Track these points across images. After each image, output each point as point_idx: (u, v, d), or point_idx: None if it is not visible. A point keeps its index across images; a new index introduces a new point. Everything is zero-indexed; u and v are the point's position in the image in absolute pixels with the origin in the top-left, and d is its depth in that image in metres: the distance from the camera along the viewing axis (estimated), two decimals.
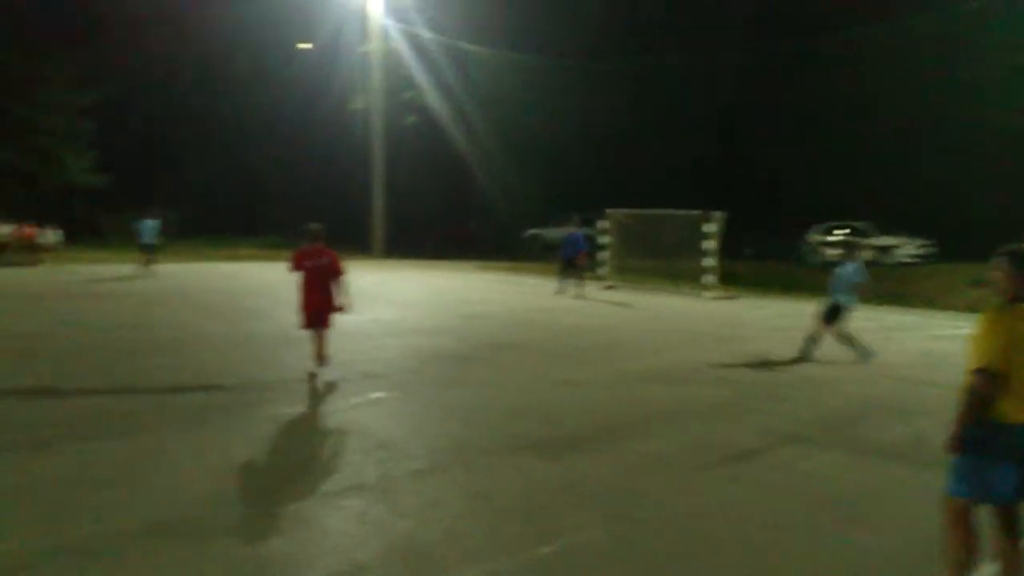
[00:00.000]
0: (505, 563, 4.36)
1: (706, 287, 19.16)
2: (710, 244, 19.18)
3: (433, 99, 35.07)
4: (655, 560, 4.47)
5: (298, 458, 6.01)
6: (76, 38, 34.21)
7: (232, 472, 5.66)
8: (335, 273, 8.69)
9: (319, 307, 8.63)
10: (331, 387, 8.42)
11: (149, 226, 21.47)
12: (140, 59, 36.49)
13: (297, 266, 8.73)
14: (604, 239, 21.82)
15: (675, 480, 5.82)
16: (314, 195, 39.24)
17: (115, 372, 9.11)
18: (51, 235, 25.21)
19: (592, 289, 19.54)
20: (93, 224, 34.25)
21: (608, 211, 21.77)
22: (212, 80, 38.81)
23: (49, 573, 4.12)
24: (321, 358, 8.66)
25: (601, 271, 21.56)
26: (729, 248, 20.84)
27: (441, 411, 7.65)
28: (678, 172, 31.43)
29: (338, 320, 8.91)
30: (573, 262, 19.23)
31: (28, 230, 24.97)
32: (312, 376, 8.64)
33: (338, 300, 8.72)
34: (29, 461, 5.81)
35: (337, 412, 7.42)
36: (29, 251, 24.43)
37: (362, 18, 33.30)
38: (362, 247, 33.31)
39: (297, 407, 7.55)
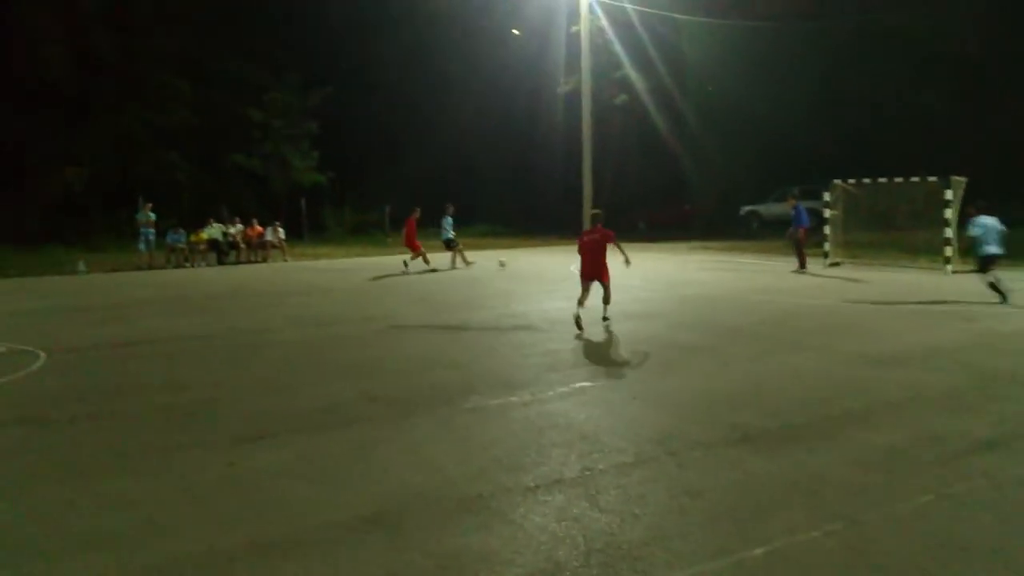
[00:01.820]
0: (712, 566, 4.02)
1: (946, 260, 17.33)
2: (950, 213, 17.31)
3: (642, 77, 34.42)
4: (884, 570, 3.97)
5: (499, 451, 5.96)
6: (297, 40, 36.82)
7: (434, 465, 5.67)
8: (609, 240, 11.60)
9: (595, 267, 11.66)
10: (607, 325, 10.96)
11: (446, 221, 22.32)
12: (355, 56, 38.66)
13: (581, 242, 11.87)
14: (828, 212, 20.36)
15: (906, 476, 5.19)
16: (524, 182, 39.91)
17: (327, 365, 9.62)
18: (277, 233, 27.26)
19: (817, 266, 18.34)
20: (317, 220, 36.78)
21: (834, 182, 20.29)
22: (425, 73, 40.32)
23: (246, 567, 4.21)
24: (607, 300, 11.70)
25: (826, 246, 20.16)
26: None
27: (651, 400, 7.34)
28: (910, 135, 28.82)
29: (546, 307, 8.87)
30: (794, 237, 18.31)
31: (256, 229, 27.12)
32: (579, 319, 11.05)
33: (620, 257, 11.69)
34: (241, 455, 6.07)
35: (542, 402, 7.33)
36: (258, 249, 26.61)
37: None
38: (570, 231, 33.41)
39: (501, 397, 7.53)
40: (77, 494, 5.25)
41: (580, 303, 11.33)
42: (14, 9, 30.80)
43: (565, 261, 22.92)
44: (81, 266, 22.95)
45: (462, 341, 10.73)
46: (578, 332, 10.79)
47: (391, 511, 4.86)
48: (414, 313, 13.52)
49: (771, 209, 33.33)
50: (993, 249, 12.72)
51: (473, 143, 40.47)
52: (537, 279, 18.44)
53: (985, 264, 12.79)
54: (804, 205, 18.89)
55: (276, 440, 6.37)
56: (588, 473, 5.41)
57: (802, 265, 18.26)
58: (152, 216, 25.18)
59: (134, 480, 5.54)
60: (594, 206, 11.81)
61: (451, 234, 22.15)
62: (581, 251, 11.76)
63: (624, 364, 8.96)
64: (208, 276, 21.78)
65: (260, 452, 6.07)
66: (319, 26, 37.69)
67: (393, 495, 5.12)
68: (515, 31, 38.11)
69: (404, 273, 20.05)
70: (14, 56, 30.95)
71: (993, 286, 12.54)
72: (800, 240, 18.32)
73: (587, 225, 12.03)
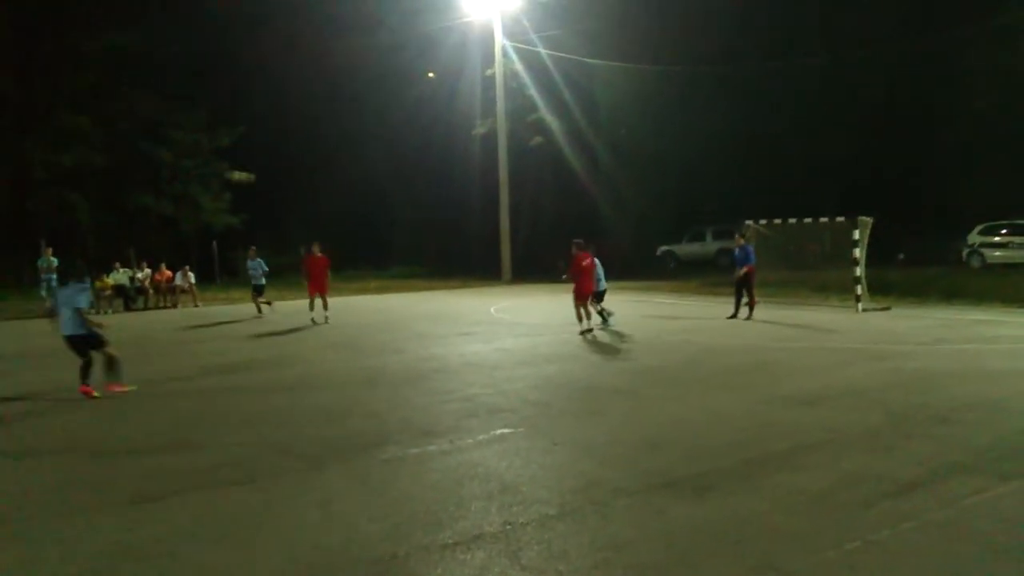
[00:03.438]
0: None
1: (857, 299, 17.84)
2: (858, 252, 17.85)
3: (557, 119, 34.94)
4: None
5: (416, 505, 5.66)
6: (206, 81, 36.08)
7: (347, 522, 5.34)
8: (593, 267, 15.16)
9: (592, 288, 15.17)
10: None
11: (254, 265, 21.29)
12: (268, 96, 38.17)
13: (577, 267, 14.78)
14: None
15: (832, 521, 5.13)
16: (441, 223, 39.89)
17: (234, 416, 9.17)
18: (188, 277, 26.25)
19: (724, 307, 18.65)
20: (230, 264, 35.85)
21: (746, 223, 20.73)
22: (339, 115, 40.09)
23: None
24: (601, 310, 15.69)
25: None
26: (879, 255, 19.44)
27: (572, 447, 7.15)
28: (816, 177, 29.97)
29: (463, 351, 8.63)
30: (738, 278, 17.27)
31: (165, 273, 26.09)
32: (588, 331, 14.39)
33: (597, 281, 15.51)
34: (139, 518, 5.70)
35: (460, 451, 7.06)
36: (167, 294, 25.57)
37: (484, 42, 33.63)
38: (488, 272, 33.38)
39: (419, 446, 7.24)
40: None
41: (588, 318, 14.54)
42: None
43: (483, 303, 22.80)
44: None
45: (378, 387, 10.39)
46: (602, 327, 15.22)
47: (305, 570, 4.54)
48: (328, 359, 13.10)
49: (687, 249, 34.05)
50: None
51: (389, 185, 40.39)
52: (454, 321, 18.20)
53: None
54: (716, 246, 18.95)
55: (177, 499, 5.95)
56: (509, 527, 5.17)
57: (750, 308, 16.98)
58: (54, 261, 24.02)
59: (16, 550, 5.04)
60: (576, 239, 15.53)
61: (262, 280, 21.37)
62: (582, 273, 14.61)
63: (545, 409, 8.78)
64: (113, 323, 20.74)
65: (160, 513, 5.66)
66: (229, 66, 37.06)
67: (303, 558, 4.78)
68: (431, 74, 38.35)
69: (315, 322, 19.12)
70: None
71: None
72: (748, 281, 17.14)
73: (573, 254, 15.06)
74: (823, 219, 18.78)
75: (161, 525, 5.43)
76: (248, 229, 36.70)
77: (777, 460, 6.50)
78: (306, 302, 19.14)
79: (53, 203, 32.62)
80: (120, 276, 25.03)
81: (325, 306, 18.67)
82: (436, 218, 40.51)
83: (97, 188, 33.80)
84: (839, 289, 19.34)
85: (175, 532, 5.29)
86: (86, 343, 10.09)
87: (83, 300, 10.12)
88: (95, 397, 9.92)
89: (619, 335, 14.69)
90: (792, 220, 19.36)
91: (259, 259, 21.25)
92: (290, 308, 21.86)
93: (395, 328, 17.31)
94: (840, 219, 18.46)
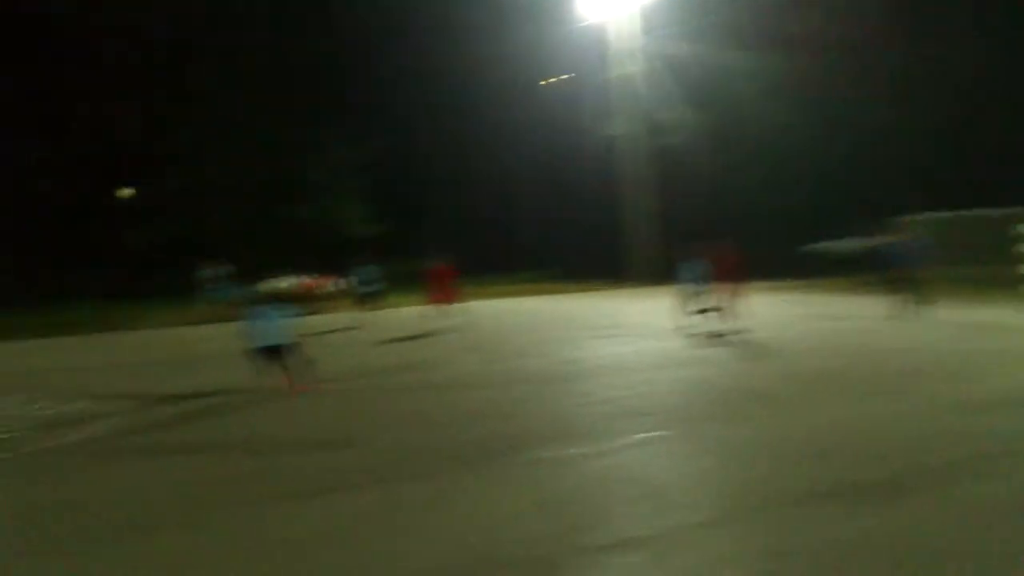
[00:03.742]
0: None
1: None
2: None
3: (688, 115, 34.25)
4: None
5: (561, 507, 5.56)
6: (347, 99, 37.58)
7: (492, 523, 5.33)
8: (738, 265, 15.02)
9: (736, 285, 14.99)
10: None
11: (365, 272, 21.42)
12: (407, 105, 39.35)
13: (721, 262, 14.76)
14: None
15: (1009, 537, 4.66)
16: (568, 226, 39.90)
17: (379, 417, 9.34)
18: (332, 285, 27.18)
19: (879, 306, 17.58)
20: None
21: (905, 217, 19.35)
22: (469, 120, 40.77)
23: None
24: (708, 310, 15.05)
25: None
26: None
27: (722, 452, 6.85)
28: (976, 166, 27.99)
29: (600, 354, 8.47)
30: (910, 276, 16.18)
31: (310, 282, 27.15)
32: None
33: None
34: (293, 512, 5.86)
35: (603, 454, 6.89)
36: (312, 301, 26.60)
37: (612, 42, 33.39)
38: (619, 275, 33.00)
39: (560, 449, 7.13)
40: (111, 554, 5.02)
41: (724, 317, 14.67)
42: (84, 77, 32.14)
43: (616, 306, 22.54)
44: (159, 320, 23.25)
45: (519, 389, 10.36)
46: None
47: (448, 570, 4.54)
48: (468, 361, 13.22)
49: (842, 246, 32.49)
50: None
51: (519, 188, 40.78)
52: (587, 324, 18.02)
53: None
54: (864, 243, 17.89)
55: (335, 495, 6.10)
56: (659, 533, 4.98)
57: (916, 305, 15.93)
58: (214, 272, 25.48)
59: (183, 539, 5.29)
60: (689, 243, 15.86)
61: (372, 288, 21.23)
62: (725, 267, 14.78)
63: (688, 412, 8.49)
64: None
65: (319, 508, 5.83)
66: (369, 79, 38.44)
67: (451, 556, 4.78)
68: (560, 77, 38.47)
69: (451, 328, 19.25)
70: (83, 120, 32.21)
71: None
72: (910, 278, 16.06)
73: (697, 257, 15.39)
74: (984, 212, 17.45)
75: (320, 520, 5.58)
76: (388, 237, 37.87)
77: (955, 467, 6.00)
78: (429, 309, 19.19)
79: (213, 219, 34.82)
80: (274, 285, 26.28)
81: (452, 313, 18.74)
82: (565, 221, 40.53)
83: (250, 203, 35.81)
84: (1009, 287, 17.92)
85: (336, 527, 5.42)
86: (288, 352, 10.71)
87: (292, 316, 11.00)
88: (297, 393, 10.51)
89: (763, 337, 14.12)
90: (952, 214, 18.10)
91: (369, 266, 21.59)
92: (411, 315, 22.13)
93: (530, 331, 17.33)
94: (1004, 211, 17.10)
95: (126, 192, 35.79)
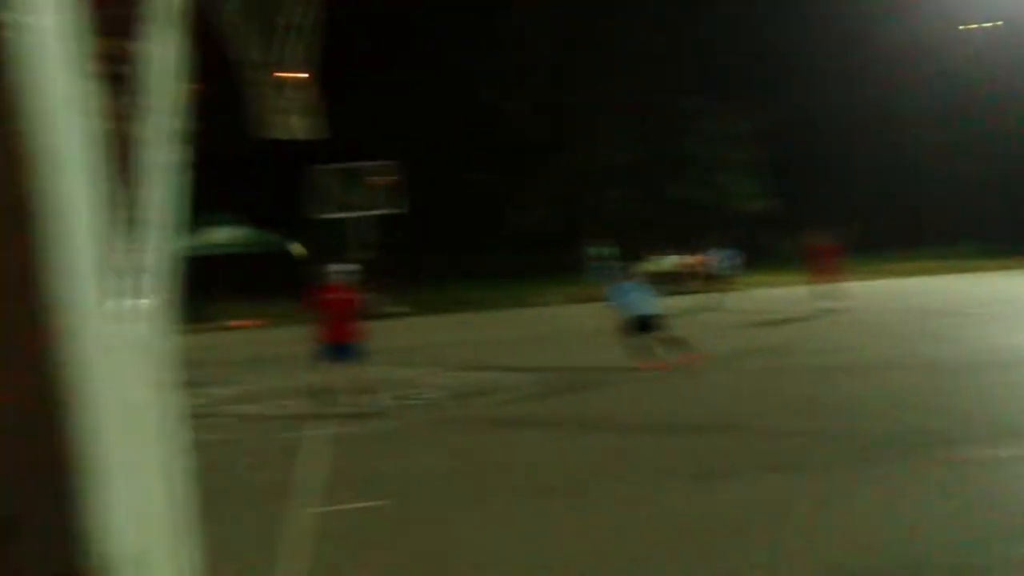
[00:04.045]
0: None
1: None
2: None
3: None
4: None
5: (991, 512, 5.00)
6: (736, 70, 36.54)
7: (909, 522, 4.97)
8: None
9: None
10: None
11: (723, 251, 20.78)
12: (801, 78, 37.30)
13: None
14: None
15: None
16: (984, 195, 35.07)
17: (779, 399, 9.13)
18: (721, 262, 26.65)
19: None
20: (761, 249, 35.72)
21: None
22: (867, 88, 37.49)
23: None
24: None
25: None
26: None
27: None
28: None
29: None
30: None
31: (693, 260, 26.83)
32: None
33: None
34: (702, 489, 5.96)
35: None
36: (702, 280, 26.31)
37: None
38: None
39: (993, 448, 6.36)
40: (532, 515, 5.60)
41: None
42: (485, 75, 35.42)
43: None
44: (546, 299, 25.21)
45: (933, 379, 9.48)
46: None
47: (857, 571, 4.38)
48: (867, 346, 12.39)
49: None
50: None
51: (925, 158, 36.76)
52: (1010, 305, 15.78)
53: None
54: None
55: (735, 479, 6.12)
56: None
57: None
58: (602, 251, 26.76)
59: (581, 514, 5.75)
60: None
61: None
62: None
63: None
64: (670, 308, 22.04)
65: (721, 491, 5.89)
66: (759, 53, 37.14)
67: (859, 555, 4.58)
68: (968, 27, 33.88)
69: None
70: (485, 113, 35.70)
71: None
72: None
73: None
74: None
75: (722, 503, 5.64)
76: (781, 213, 36.39)
77: None
78: (815, 289, 17.97)
79: (599, 199, 36.39)
80: (661, 263, 26.82)
81: (836, 294, 17.50)
82: (980, 187, 35.65)
83: (635, 182, 36.77)
84: None
85: (736, 510, 5.45)
86: (658, 324, 11.32)
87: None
88: (666, 370, 10.88)
89: None
90: None
91: (729, 249, 20.95)
92: (792, 295, 20.87)
93: (940, 314, 15.67)
94: None
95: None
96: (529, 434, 8.22)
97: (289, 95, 10.62)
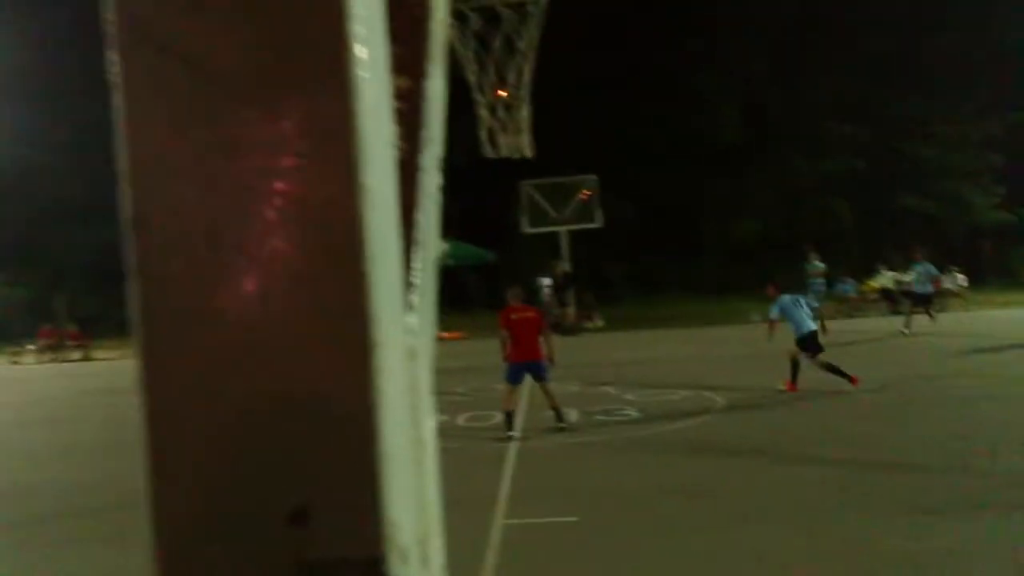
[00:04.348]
0: None
1: None
2: None
3: None
4: None
5: None
6: (971, 71, 33.45)
7: None
8: None
9: None
10: None
11: (922, 270, 18.96)
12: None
13: None
14: None
15: None
16: None
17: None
18: (956, 279, 24.54)
19: None
20: (1002, 264, 32.43)
21: None
22: None
23: None
24: None
25: None
26: None
27: None
28: None
29: None
30: None
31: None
32: None
33: None
34: (916, 529, 5.48)
35: None
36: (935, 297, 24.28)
37: None
38: None
39: None
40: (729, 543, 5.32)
41: None
42: (691, 79, 34.60)
43: None
44: (754, 316, 24.05)
45: None
46: None
47: None
48: None
49: None
50: None
51: None
52: None
53: None
54: None
55: (955, 516, 5.66)
56: None
57: None
58: (820, 266, 25.35)
59: (777, 533, 5.43)
60: None
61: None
62: None
63: None
64: (880, 328, 20.77)
65: (941, 528, 5.44)
66: (996, 48, 33.85)
67: None
68: None
69: None
70: (691, 120, 34.79)
71: None
72: None
73: None
74: None
75: (943, 540, 5.22)
76: (1020, 226, 32.97)
77: None
78: None
79: (817, 209, 34.50)
80: (885, 279, 25.11)
81: None
82: None
83: (859, 191, 34.52)
84: None
85: (959, 550, 5.02)
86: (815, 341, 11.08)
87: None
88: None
89: None
90: None
91: (926, 263, 18.97)
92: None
93: None
94: None
95: None
96: (724, 458, 7.88)
97: (505, 114, 10.88)
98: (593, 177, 24.92)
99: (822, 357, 10.97)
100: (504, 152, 11.15)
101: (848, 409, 9.90)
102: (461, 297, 27.76)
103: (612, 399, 11.43)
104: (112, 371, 22.66)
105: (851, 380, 10.62)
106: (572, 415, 10.19)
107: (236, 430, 0.78)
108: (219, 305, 0.75)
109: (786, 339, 11.29)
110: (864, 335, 18.39)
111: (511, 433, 9.04)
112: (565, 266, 24.93)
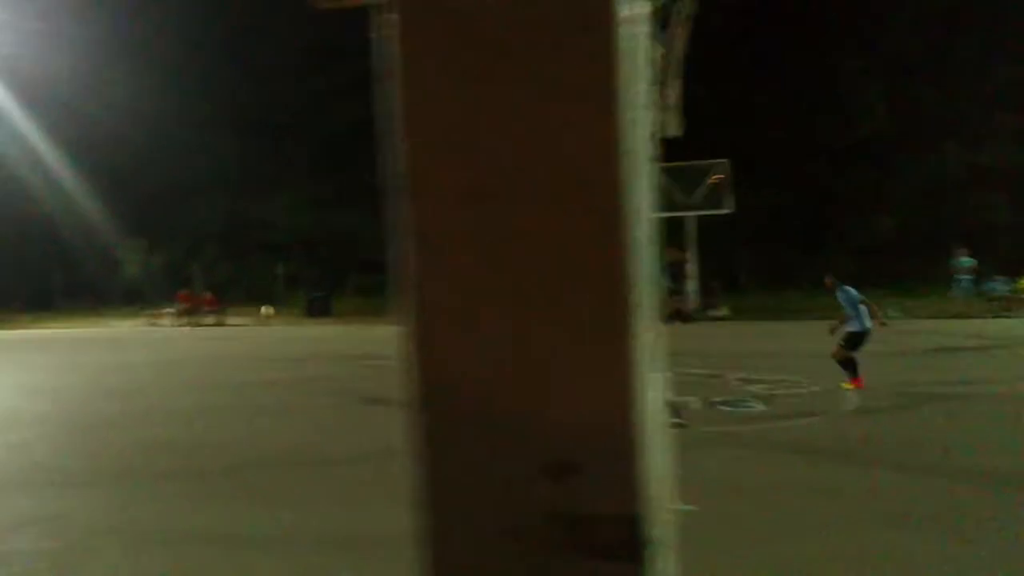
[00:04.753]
0: None
1: None
2: None
3: None
4: None
5: None
6: None
7: None
8: None
9: None
10: None
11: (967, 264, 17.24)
12: None
13: None
14: None
15: None
16: None
17: None
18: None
19: None
20: None
21: None
22: None
23: None
24: None
25: None
26: None
27: None
28: None
29: None
30: None
31: None
32: None
33: None
34: None
35: None
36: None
37: None
38: None
39: None
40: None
41: None
42: (834, 62, 32.95)
43: None
44: (891, 312, 22.81)
45: None
46: None
47: None
48: None
49: None
50: None
51: None
52: None
53: None
54: None
55: None
56: None
57: None
58: (970, 262, 23.91)
59: (921, 539, 5.12)
60: None
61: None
62: None
63: None
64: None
65: None
66: None
67: None
68: None
69: None
70: (830, 105, 33.13)
71: None
72: None
73: None
74: None
75: None
76: None
77: None
78: None
79: (967, 204, 32.46)
80: None
81: None
82: None
83: (1017, 186, 32.24)
84: None
85: None
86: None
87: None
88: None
89: None
90: None
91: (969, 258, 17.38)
92: None
93: None
94: None
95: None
96: (854, 458, 7.40)
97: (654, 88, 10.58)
98: (725, 161, 24.23)
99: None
100: (662, 131, 10.84)
101: (991, 413, 9.30)
102: None
103: (735, 390, 11.03)
104: (247, 337, 23.86)
105: (855, 381, 10.68)
106: (694, 403, 9.97)
107: (501, 382, 0.83)
108: (488, 266, 0.78)
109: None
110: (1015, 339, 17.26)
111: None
112: (684, 254, 24.40)
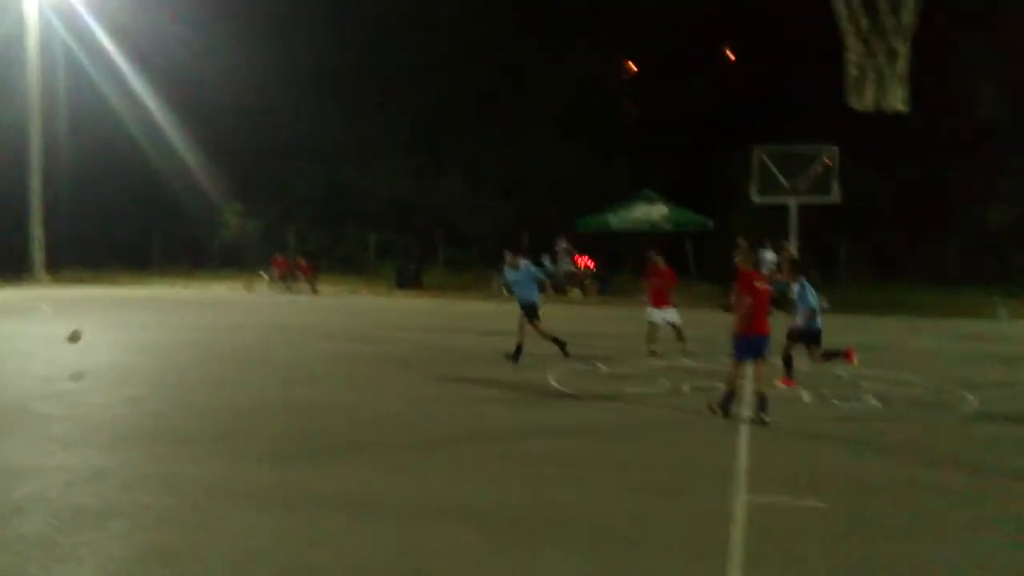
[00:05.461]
0: None
1: None
2: None
3: None
4: None
5: None
6: None
7: None
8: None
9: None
10: None
11: None
12: None
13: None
14: None
15: None
16: None
17: None
18: None
19: None
20: None
21: None
22: None
23: None
24: None
25: None
26: None
27: None
28: None
29: None
30: None
31: None
32: None
33: None
34: None
35: None
36: None
37: None
38: None
39: None
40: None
41: None
42: (949, 46, 31.20)
43: None
44: (1002, 311, 21.67)
45: None
46: None
47: None
48: None
49: None
50: None
51: None
52: None
53: None
54: None
55: None
56: None
57: None
58: None
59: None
60: None
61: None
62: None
63: None
64: None
65: None
66: None
67: None
68: None
69: None
70: (945, 90, 31.41)
71: None
72: None
73: None
74: None
75: None
76: None
77: None
78: None
79: None
80: None
81: None
82: None
83: None
84: None
85: None
86: None
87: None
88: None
89: None
90: None
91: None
92: None
93: None
94: None
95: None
96: (989, 461, 7.13)
97: (880, 63, 9.76)
98: (833, 147, 23.24)
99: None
100: (871, 105, 10.01)
101: None
102: (679, 265, 27.08)
103: (845, 384, 10.62)
104: (341, 306, 24.14)
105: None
106: (805, 396, 9.72)
107: None
108: None
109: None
110: None
111: (733, 412, 8.39)
112: (793, 251, 23.53)
